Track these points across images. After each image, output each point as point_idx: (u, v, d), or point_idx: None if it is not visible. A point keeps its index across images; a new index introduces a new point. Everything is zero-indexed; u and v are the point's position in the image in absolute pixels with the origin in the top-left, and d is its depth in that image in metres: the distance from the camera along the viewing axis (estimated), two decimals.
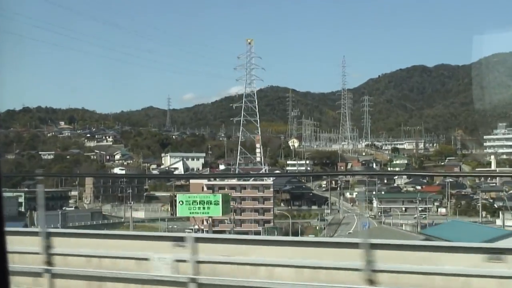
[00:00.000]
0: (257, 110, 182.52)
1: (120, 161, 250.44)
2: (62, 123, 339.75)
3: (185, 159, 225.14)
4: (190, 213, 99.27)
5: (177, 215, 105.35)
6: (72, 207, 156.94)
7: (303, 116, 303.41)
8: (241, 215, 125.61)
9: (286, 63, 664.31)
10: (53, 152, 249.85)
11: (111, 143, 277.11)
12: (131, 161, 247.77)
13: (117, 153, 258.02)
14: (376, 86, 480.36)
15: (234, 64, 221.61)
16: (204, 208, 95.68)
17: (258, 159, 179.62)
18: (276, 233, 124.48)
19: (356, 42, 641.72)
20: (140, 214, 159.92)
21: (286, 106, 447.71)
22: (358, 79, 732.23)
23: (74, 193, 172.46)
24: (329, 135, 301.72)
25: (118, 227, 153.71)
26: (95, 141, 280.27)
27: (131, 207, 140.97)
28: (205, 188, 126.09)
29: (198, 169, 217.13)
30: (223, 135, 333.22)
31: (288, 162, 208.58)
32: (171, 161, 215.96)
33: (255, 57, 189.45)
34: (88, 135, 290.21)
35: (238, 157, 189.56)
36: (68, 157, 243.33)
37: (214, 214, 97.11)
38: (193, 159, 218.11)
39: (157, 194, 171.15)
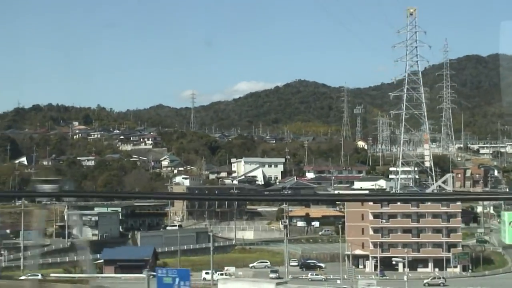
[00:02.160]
0: (423, 100, 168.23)
1: (170, 168, 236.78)
2: (76, 123, 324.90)
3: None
4: None
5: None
6: (175, 225, 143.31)
7: (378, 114, 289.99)
8: (418, 236, 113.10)
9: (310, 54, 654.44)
10: (93, 158, 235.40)
11: (150, 146, 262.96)
12: (185, 168, 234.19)
13: (164, 159, 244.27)
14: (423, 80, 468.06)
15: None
16: None
17: (427, 164, 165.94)
18: (468, 261, 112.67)
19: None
20: (248, 235, 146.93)
21: (325, 103, 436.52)
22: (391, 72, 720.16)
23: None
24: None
25: (229, 250, 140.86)
26: (131, 144, 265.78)
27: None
28: (370, 202, 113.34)
29: (277, 178, 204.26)
30: (268, 136, 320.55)
31: (391, 169, 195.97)
32: (246, 168, 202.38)
33: (419, 32, 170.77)
34: (122, 137, 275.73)
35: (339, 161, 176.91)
36: (108, 163, 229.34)
37: None
38: (270, 166, 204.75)
39: (260, 209, 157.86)
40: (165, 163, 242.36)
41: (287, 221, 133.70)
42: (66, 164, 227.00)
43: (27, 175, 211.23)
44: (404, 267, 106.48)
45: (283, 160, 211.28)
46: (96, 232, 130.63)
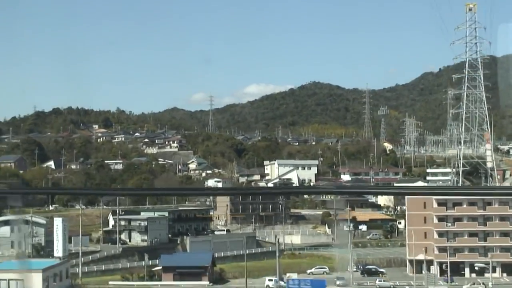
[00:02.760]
0: (484, 101, 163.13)
1: (198, 171, 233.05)
2: (96, 126, 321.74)
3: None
4: None
5: None
6: (223, 230, 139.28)
7: (406, 114, 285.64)
8: (486, 240, 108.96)
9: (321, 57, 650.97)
10: (121, 161, 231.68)
11: (176, 149, 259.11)
12: (213, 171, 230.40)
13: (191, 162, 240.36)
14: (437, 81, 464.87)
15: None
16: None
17: (489, 164, 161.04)
18: None
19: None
20: (295, 239, 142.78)
21: (342, 105, 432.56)
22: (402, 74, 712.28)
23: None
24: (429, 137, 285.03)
25: (279, 256, 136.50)
26: (156, 147, 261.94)
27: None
28: (435, 205, 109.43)
29: (310, 180, 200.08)
30: (289, 138, 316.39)
31: (429, 170, 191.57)
32: (279, 171, 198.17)
33: (479, 28, 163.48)
34: (146, 139, 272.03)
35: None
36: (137, 166, 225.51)
37: None
38: (304, 168, 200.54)
39: (304, 212, 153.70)
40: (192, 166, 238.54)
41: (351, 225, 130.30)
42: (95, 168, 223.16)
43: (56, 179, 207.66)
44: (475, 272, 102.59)
45: (316, 162, 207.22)
46: (145, 237, 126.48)
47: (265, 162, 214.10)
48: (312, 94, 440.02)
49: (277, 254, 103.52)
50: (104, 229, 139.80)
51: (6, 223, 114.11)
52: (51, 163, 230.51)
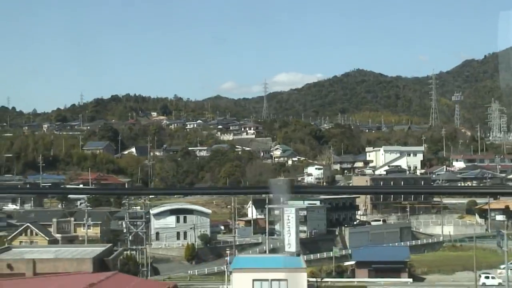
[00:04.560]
0: None
1: (283, 158, 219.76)
2: (154, 113, 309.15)
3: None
4: None
5: None
6: (379, 220, 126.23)
7: (496, 102, 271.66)
8: None
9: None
10: (205, 148, 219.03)
11: (253, 136, 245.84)
12: (299, 159, 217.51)
13: (276, 148, 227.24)
14: (482, 68, 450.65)
15: None
16: None
17: None
18: None
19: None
20: (447, 230, 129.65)
21: (392, 92, 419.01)
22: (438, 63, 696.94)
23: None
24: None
25: (437, 248, 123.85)
26: (232, 134, 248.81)
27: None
28: None
29: (416, 167, 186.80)
30: (357, 124, 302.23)
31: None
32: (386, 158, 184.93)
33: None
34: (220, 126, 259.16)
35: None
36: (224, 154, 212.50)
37: None
38: (409, 155, 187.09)
39: (445, 201, 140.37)
40: (277, 153, 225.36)
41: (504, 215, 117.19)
42: (180, 155, 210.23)
43: (145, 166, 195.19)
44: None
45: (422, 148, 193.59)
46: (305, 228, 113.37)
47: (367, 149, 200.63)
48: (361, 81, 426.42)
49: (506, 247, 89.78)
50: (242, 219, 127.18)
51: (172, 212, 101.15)
52: (132, 150, 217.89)
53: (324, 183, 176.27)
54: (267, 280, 61.78)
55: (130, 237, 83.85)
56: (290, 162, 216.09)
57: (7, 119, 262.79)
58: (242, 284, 62.31)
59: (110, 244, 68.93)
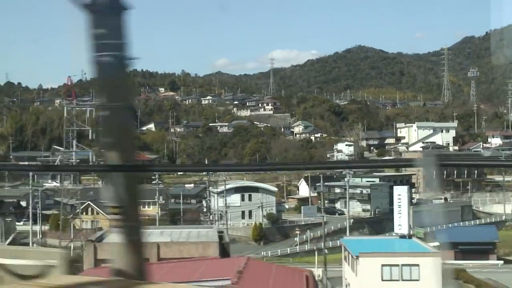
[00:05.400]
0: None
1: (305, 135, 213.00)
2: (162, 89, 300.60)
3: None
4: None
5: None
6: (440, 198, 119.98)
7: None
8: None
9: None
10: (226, 124, 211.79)
11: (271, 112, 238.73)
12: (321, 135, 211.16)
13: (297, 125, 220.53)
14: (484, 45, 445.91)
15: None
16: None
17: None
18: None
19: None
20: (508, 208, 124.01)
21: (396, 69, 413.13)
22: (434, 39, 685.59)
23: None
24: None
25: (500, 227, 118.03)
26: (249, 110, 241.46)
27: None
28: None
29: (448, 144, 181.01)
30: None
31: None
32: (419, 134, 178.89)
33: None
34: (236, 102, 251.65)
35: None
36: (246, 130, 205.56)
37: None
38: (441, 131, 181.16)
39: (497, 179, 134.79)
40: (298, 129, 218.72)
41: None
42: (203, 131, 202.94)
43: (169, 143, 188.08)
44: None
45: (455, 124, 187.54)
46: (368, 207, 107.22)
47: (398, 125, 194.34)
48: (364, 57, 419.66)
49: None
50: (294, 196, 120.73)
51: (237, 190, 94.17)
52: (150, 126, 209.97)
53: None
54: (397, 265, 55.40)
55: (211, 217, 76.87)
56: (312, 138, 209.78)
57: (18, 95, 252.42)
58: (370, 270, 55.81)
59: (213, 226, 62.11)
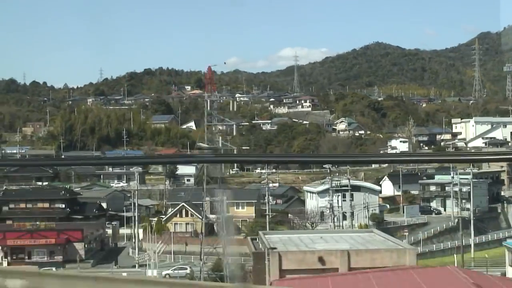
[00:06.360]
0: None
1: (351, 132, 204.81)
2: (188, 87, 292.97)
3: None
4: None
5: None
6: None
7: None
8: None
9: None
10: (269, 121, 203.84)
11: (309, 109, 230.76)
12: (364, 132, 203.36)
13: (340, 122, 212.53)
14: (502, 40, 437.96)
15: None
16: None
17: None
18: None
19: None
20: None
21: (418, 65, 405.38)
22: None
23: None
24: None
25: None
26: (286, 107, 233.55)
27: None
28: None
29: (506, 139, 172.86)
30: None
31: None
32: (477, 130, 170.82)
33: None
34: (272, 99, 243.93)
35: None
36: (291, 127, 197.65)
37: None
38: (504, 126, 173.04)
39: None
40: (341, 126, 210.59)
41: None
42: (247, 129, 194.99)
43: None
44: None
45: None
46: (467, 205, 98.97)
47: (454, 120, 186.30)
48: (385, 54, 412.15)
49: None
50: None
51: (338, 189, 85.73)
52: (191, 125, 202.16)
53: None
54: None
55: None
56: (357, 135, 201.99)
57: (46, 94, 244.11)
58: None
59: (372, 229, 53.88)
